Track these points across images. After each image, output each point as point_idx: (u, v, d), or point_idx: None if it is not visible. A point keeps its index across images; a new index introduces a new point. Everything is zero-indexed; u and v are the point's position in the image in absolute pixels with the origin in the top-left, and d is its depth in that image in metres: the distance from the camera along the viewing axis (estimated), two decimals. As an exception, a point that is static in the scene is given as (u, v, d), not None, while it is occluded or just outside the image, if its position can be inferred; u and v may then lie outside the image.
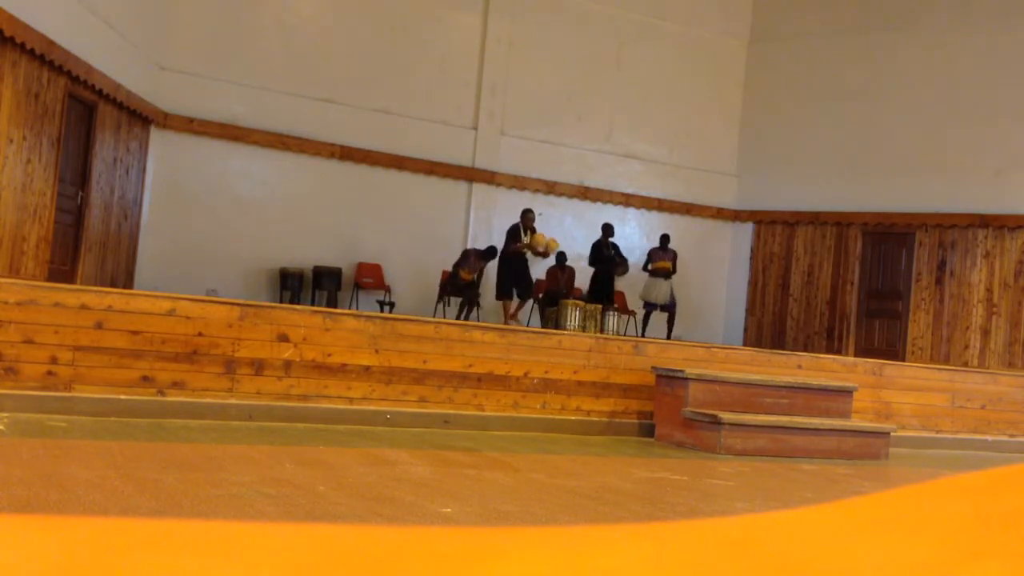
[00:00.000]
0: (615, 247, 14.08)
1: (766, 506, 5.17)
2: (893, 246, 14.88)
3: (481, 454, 6.15)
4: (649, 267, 14.24)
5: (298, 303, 12.42)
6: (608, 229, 14.06)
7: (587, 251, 15.07)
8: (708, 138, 16.38)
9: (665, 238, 14.41)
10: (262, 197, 13.36)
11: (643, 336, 13.22)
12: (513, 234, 12.84)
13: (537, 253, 12.89)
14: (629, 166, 15.84)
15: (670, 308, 14.16)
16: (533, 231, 12.90)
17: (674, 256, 14.33)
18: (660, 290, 14.11)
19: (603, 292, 13.73)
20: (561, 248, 14.49)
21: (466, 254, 13.16)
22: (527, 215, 12.93)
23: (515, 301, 12.96)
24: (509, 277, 12.79)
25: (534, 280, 14.50)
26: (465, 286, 12.98)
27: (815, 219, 15.53)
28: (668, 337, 13.53)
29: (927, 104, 14.62)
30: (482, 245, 13.55)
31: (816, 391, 8.12)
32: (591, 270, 13.97)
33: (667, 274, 14.09)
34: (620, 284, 14.33)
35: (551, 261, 14.41)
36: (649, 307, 14.25)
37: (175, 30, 12.75)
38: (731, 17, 16.59)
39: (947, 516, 0.69)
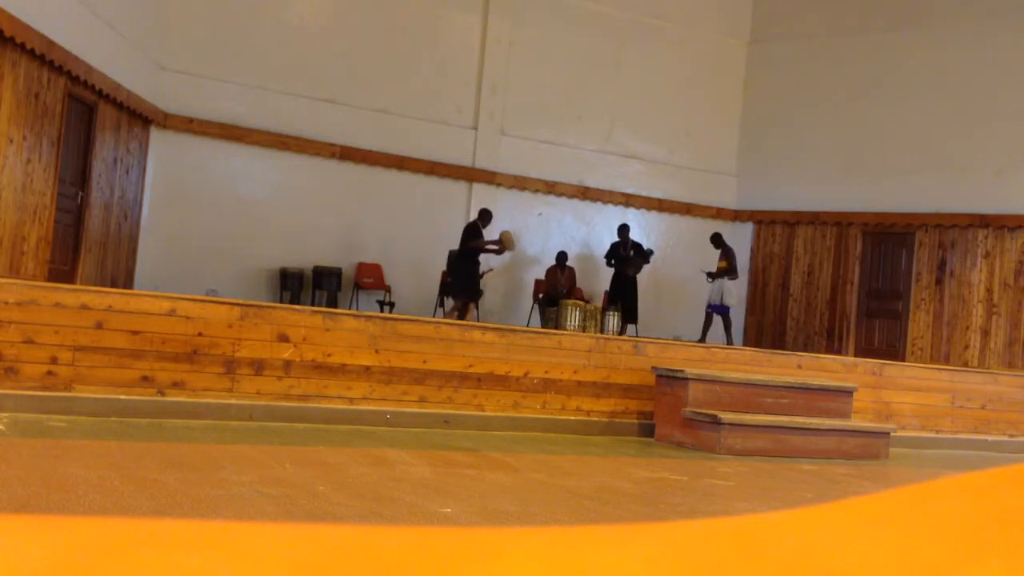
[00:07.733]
0: (636, 245, 14.05)
1: (766, 506, 5.17)
2: (893, 246, 14.87)
3: (481, 454, 6.14)
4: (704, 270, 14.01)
5: (298, 303, 12.42)
6: (624, 229, 14.04)
7: (588, 251, 15.09)
8: (708, 138, 16.37)
9: (715, 237, 14.12)
10: (262, 197, 13.35)
11: (702, 341, 12.54)
12: (474, 232, 12.63)
13: (496, 250, 12.72)
14: (629, 166, 15.83)
15: (721, 311, 13.75)
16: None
17: (727, 254, 13.81)
18: (710, 290, 13.80)
19: (620, 293, 13.64)
20: (561, 248, 14.51)
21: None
22: (487, 214, 12.82)
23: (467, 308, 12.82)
24: (474, 277, 12.65)
25: (533, 280, 14.50)
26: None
27: (815, 219, 15.52)
28: (727, 342, 13.05)
29: (927, 104, 14.61)
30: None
31: (816, 391, 8.12)
32: (587, 271, 13.94)
33: (717, 274, 13.75)
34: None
35: (550, 260, 14.41)
36: (709, 309, 13.97)
37: (175, 30, 12.75)
38: (731, 17, 16.59)
39: (947, 516, 0.69)
